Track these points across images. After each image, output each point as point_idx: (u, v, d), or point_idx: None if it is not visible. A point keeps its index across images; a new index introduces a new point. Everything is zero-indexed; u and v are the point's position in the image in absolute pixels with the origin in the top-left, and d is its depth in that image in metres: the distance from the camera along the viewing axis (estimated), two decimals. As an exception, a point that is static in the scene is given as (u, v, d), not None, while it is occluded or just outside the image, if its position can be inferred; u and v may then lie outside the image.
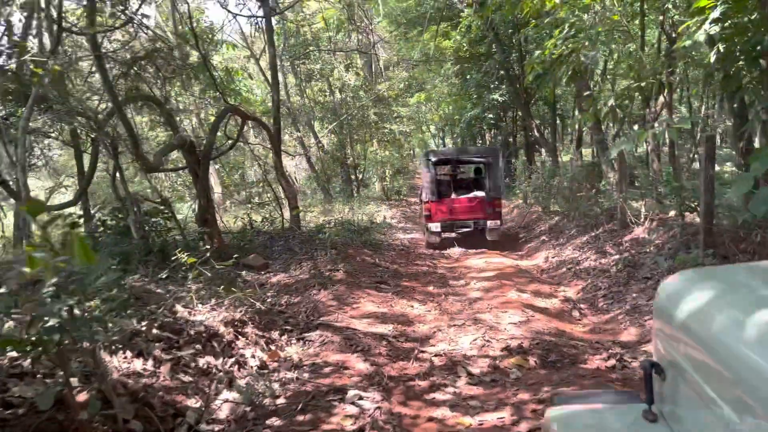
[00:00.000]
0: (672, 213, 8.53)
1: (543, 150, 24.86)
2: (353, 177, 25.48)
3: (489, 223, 12.09)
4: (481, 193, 12.70)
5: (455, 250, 11.87)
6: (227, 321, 5.04)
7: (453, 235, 12.47)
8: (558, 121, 24.28)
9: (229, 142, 12.02)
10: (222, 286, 5.78)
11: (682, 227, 7.18)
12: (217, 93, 11.08)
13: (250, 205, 12.70)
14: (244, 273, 8.86)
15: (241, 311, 5.44)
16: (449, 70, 23.64)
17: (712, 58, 5.64)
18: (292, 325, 5.85)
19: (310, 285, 7.10)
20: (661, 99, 8.78)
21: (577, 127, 23.05)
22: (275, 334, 5.53)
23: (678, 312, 1.46)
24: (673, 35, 9.02)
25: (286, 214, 12.81)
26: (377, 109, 22.91)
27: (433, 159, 12.90)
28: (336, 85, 23.96)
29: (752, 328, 1.14)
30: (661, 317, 1.63)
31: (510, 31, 20.60)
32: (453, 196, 13.01)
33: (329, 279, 7.26)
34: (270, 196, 12.92)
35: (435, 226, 12.24)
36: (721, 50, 5.53)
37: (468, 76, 22.64)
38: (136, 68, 9.51)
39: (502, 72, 20.53)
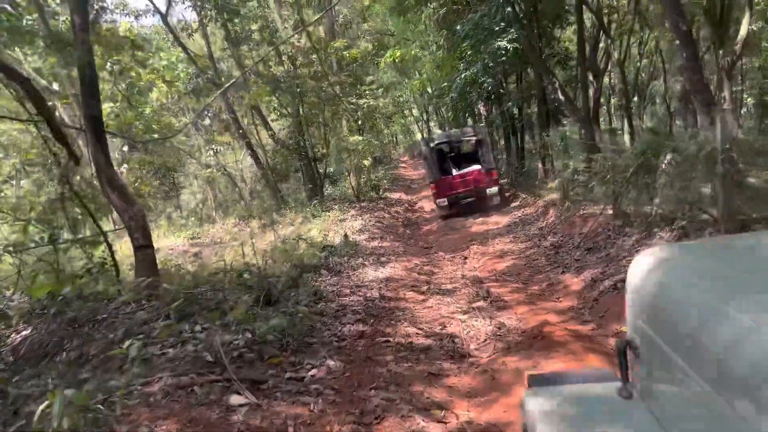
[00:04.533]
0: None
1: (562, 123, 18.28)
2: (316, 173, 18.73)
3: (488, 190, 13.71)
4: (477, 166, 14.18)
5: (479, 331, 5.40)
6: None
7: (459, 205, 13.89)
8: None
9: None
10: None
11: None
12: None
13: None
14: None
15: None
16: (432, 18, 16.81)
17: None
18: None
19: None
20: None
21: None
22: None
23: (650, 287, 1.44)
24: None
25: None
26: (338, 78, 16.23)
27: (432, 144, 14.91)
28: (285, 50, 17.14)
29: (721, 301, 1.12)
30: (634, 293, 1.56)
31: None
32: (454, 172, 14.71)
33: None
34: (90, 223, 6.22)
35: (443, 201, 13.76)
36: None
37: (459, 26, 15.97)
38: None
39: (508, 9, 13.88)
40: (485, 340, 4.92)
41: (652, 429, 1.43)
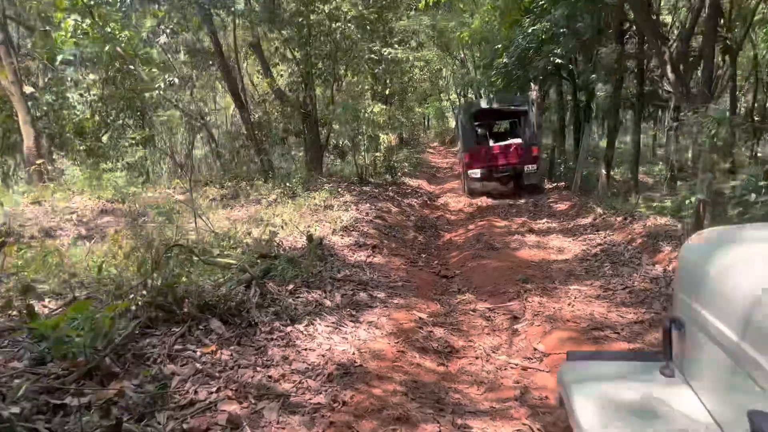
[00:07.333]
0: None
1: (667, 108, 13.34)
2: (322, 140, 14.23)
3: (526, 167, 12.21)
4: (517, 140, 12.80)
5: None
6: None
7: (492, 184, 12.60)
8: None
9: None
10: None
11: None
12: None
13: None
14: None
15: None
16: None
17: None
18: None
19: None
20: None
21: None
22: None
23: (706, 267, 1.40)
24: None
25: None
26: (355, 12, 11.67)
27: (471, 110, 13.39)
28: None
29: None
30: (686, 273, 1.54)
31: None
32: (491, 143, 13.24)
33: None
34: None
35: (475, 173, 12.27)
36: None
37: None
38: None
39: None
40: None
41: (690, 405, 1.40)
